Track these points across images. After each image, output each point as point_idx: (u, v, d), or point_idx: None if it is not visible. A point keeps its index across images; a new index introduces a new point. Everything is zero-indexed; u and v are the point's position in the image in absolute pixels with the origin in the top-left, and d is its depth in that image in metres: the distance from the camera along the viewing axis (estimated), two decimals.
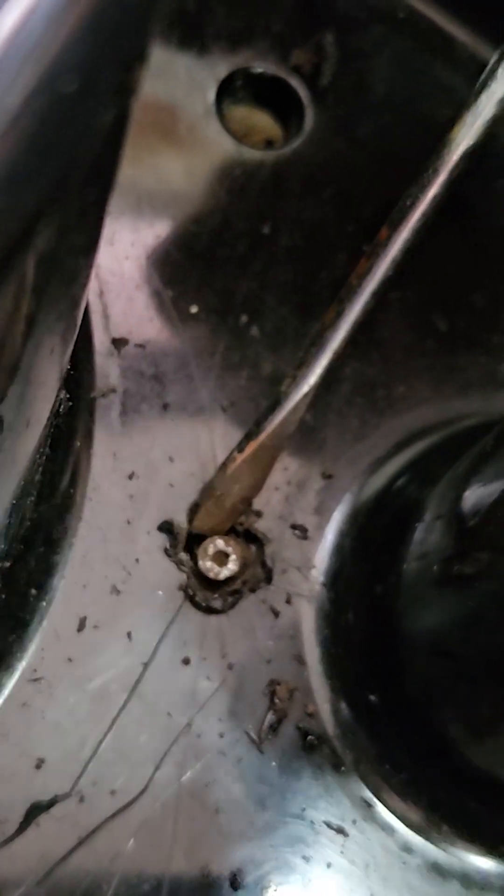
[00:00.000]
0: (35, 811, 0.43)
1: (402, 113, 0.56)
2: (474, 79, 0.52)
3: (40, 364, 0.31)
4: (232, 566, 0.47)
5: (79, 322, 0.34)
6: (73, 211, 0.24)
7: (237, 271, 0.52)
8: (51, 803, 0.43)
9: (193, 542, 0.48)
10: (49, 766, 0.44)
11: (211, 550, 0.47)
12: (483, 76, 0.50)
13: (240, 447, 0.48)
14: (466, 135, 0.49)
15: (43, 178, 0.20)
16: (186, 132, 0.53)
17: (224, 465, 0.48)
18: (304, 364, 0.47)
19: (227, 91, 0.55)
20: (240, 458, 0.47)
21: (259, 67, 0.55)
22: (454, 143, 0.49)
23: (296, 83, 0.55)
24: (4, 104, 0.19)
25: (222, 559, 0.47)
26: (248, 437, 0.48)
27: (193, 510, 0.48)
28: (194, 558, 0.47)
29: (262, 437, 0.47)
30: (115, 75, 0.22)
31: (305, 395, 0.47)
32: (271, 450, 0.47)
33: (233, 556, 0.47)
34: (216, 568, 0.47)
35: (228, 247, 0.52)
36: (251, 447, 0.47)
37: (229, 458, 0.48)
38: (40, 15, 0.19)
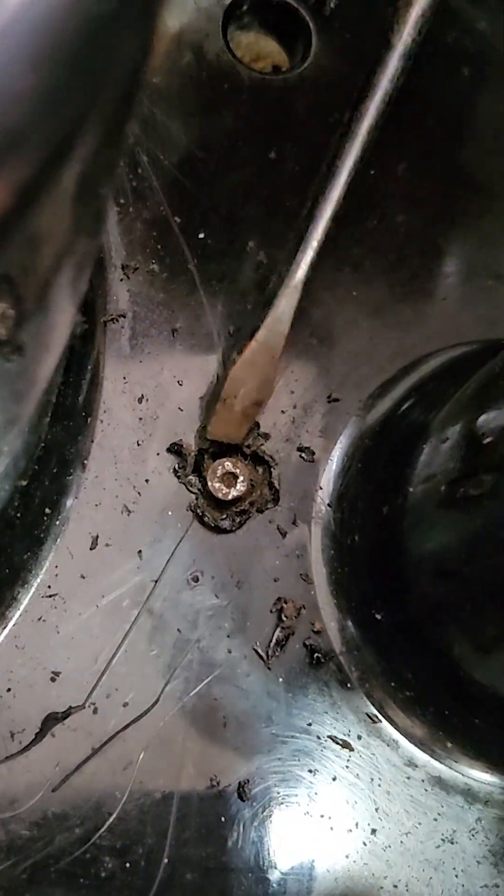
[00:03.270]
0: (50, 722, 0.46)
1: None
2: (480, 2, 0.54)
3: (61, 289, 0.33)
4: (241, 487, 0.49)
5: (96, 251, 0.36)
6: (99, 133, 0.26)
7: (244, 197, 0.54)
8: (66, 714, 0.46)
9: (202, 463, 0.51)
10: (64, 679, 0.47)
11: (220, 472, 0.50)
12: None
13: (238, 348, 0.50)
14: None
15: (78, 97, 0.22)
16: (193, 58, 0.55)
17: (225, 369, 0.50)
18: (288, 260, 0.49)
19: (233, 17, 0.56)
20: (239, 358, 0.49)
21: None
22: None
23: (302, 8, 0.56)
24: (46, 26, 0.20)
25: (231, 480, 0.50)
26: (246, 337, 0.50)
27: (203, 431, 0.51)
28: (203, 479, 0.50)
29: (259, 334, 0.49)
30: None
31: (294, 289, 0.49)
32: (269, 348, 0.49)
33: (241, 478, 0.50)
34: (224, 488, 0.49)
35: (235, 172, 0.54)
36: (248, 347, 0.49)
37: (229, 361, 0.50)
38: None
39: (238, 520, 0.50)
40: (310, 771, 0.48)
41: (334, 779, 0.48)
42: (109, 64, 0.23)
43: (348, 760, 0.48)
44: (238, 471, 0.50)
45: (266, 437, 0.51)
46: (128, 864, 0.45)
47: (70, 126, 0.23)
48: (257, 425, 0.51)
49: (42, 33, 0.20)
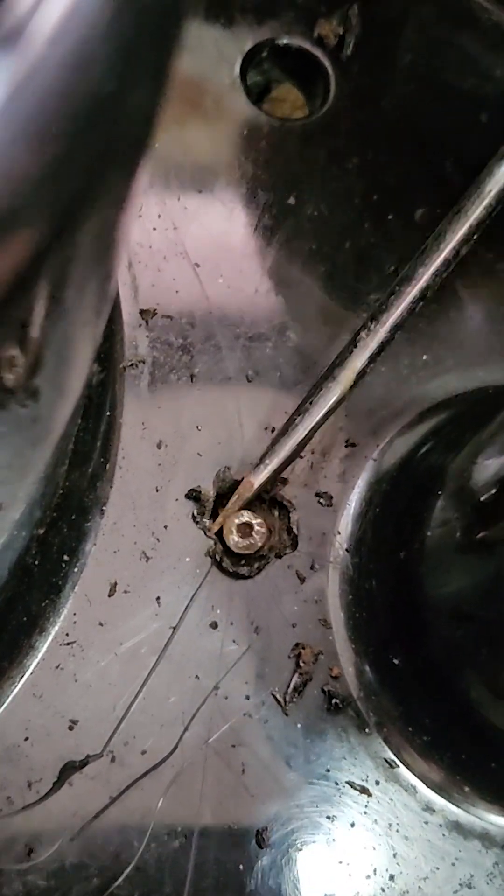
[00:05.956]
0: (68, 770, 0.44)
1: (425, 82, 0.55)
2: (499, 47, 0.52)
3: (75, 336, 0.31)
4: (257, 538, 0.47)
5: (111, 296, 0.34)
6: (109, 189, 0.24)
7: (263, 242, 0.52)
8: (84, 763, 0.44)
9: (220, 509, 0.48)
10: (82, 727, 0.44)
11: (236, 522, 0.47)
12: None
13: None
14: None
15: (83, 167, 0.21)
16: (213, 104, 0.53)
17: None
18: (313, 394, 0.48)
19: (252, 63, 0.54)
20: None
21: (284, 39, 0.54)
22: None
23: (320, 54, 0.54)
24: (47, 105, 0.19)
25: (247, 531, 0.47)
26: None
27: (220, 477, 0.49)
28: (220, 529, 0.48)
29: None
30: (150, 66, 0.22)
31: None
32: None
33: (256, 530, 0.47)
34: (240, 541, 0.47)
35: (254, 217, 0.52)
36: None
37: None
38: (77, 18, 0.19)
39: (256, 566, 0.48)
40: (328, 817, 0.45)
41: (352, 824, 0.45)
42: (115, 133, 0.22)
43: (366, 806, 0.46)
44: (255, 521, 0.47)
45: (284, 482, 0.49)
46: None
47: (75, 195, 0.21)
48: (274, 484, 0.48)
49: (41, 114, 0.19)
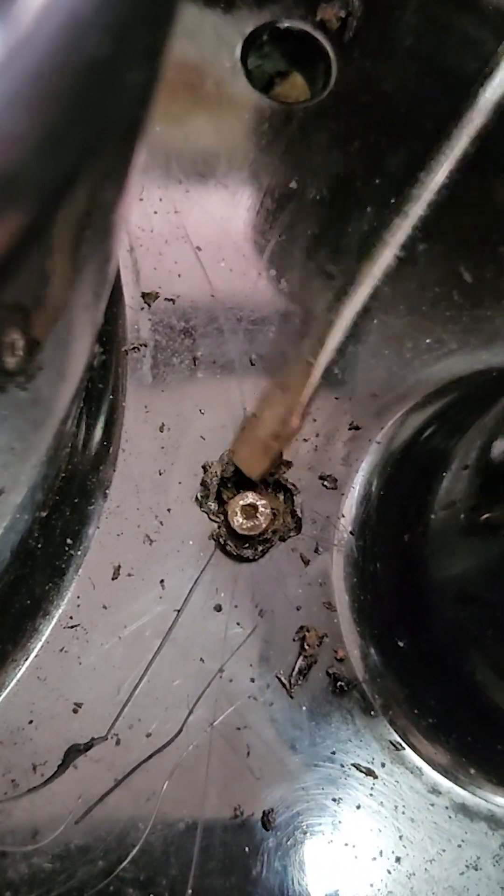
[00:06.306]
0: (73, 753, 0.43)
1: (427, 66, 0.54)
2: (500, 31, 0.51)
3: (74, 318, 0.30)
4: (261, 519, 0.47)
5: (111, 277, 0.34)
6: (105, 167, 0.24)
7: (265, 225, 0.51)
8: (88, 746, 0.43)
9: (224, 492, 0.48)
10: (86, 710, 0.44)
11: (241, 503, 0.47)
12: None
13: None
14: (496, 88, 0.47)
15: (78, 137, 0.20)
16: (214, 88, 0.52)
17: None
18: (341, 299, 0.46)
19: (253, 47, 0.53)
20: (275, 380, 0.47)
21: (285, 22, 0.53)
22: (482, 97, 0.48)
23: (322, 38, 0.53)
24: (41, 69, 0.18)
25: (251, 513, 0.47)
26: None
27: (224, 460, 0.48)
28: (224, 509, 0.47)
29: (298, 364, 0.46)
30: (145, 38, 0.22)
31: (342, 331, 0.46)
32: (305, 378, 0.46)
33: (261, 510, 0.47)
34: (245, 522, 0.46)
35: (256, 201, 0.52)
36: (287, 370, 0.47)
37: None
38: None
39: (261, 548, 0.47)
40: (334, 799, 0.45)
41: (358, 807, 0.45)
42: (110, 105, 0.21)
43: (372, 788, 0.45)
44: (260, 503, 0.47)
45: (288, 465, 0.48)
46: None
47: (71, 167, 0.21)
48: (281, 441, 0.48)
49: (38, 77, 0.19)
